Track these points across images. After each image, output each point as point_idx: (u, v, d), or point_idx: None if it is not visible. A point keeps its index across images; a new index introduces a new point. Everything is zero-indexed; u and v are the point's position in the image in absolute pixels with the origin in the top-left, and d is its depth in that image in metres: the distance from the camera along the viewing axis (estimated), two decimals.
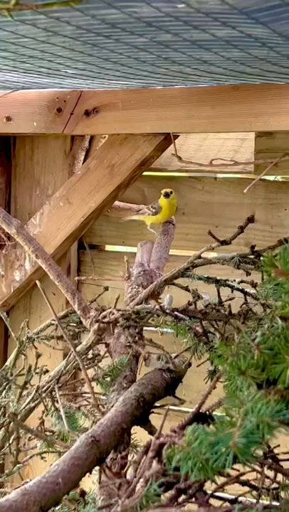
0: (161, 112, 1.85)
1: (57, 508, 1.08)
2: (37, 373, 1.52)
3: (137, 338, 1.46)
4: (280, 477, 1.11)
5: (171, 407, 1.21)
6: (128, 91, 1.88)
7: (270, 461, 1.12)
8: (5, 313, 1.72)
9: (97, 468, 1.12)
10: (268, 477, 1.10)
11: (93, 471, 1.12)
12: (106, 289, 1.75)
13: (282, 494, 1.10)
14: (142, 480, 0.98)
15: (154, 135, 1.91)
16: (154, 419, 1.31)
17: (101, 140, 2.07)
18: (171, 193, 1.87)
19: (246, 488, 1.09)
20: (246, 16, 0.85)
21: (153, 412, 1.33)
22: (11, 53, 1.15)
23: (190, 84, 1.72)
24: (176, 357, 1.50)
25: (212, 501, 0.99)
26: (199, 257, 1.51)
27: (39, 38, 1.02)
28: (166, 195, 1.87)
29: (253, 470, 1.07)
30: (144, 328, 1.54)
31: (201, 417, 1.05)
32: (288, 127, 1.71)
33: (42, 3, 0.79)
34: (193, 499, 0.96)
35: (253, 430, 0.87)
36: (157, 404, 1.36)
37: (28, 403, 1.45)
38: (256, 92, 1.71)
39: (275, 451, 1.15)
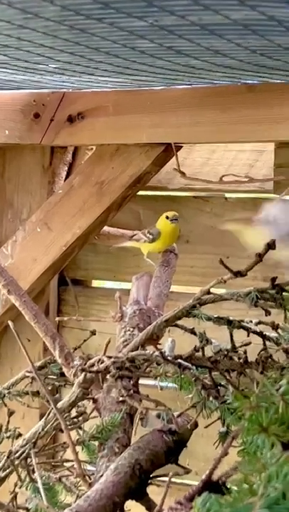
0: (161, 117, 1.86)
1: None
2: (8, 437, 1.50)
3: (131, 391, 1.45)
4: None
5: (173, 478, 1.20)
6: (121, 92, 1.89)
7: None
8: None
9: None
10: None
11: None
12: (93, 333, 1.73)
13: None
14: None
15: (152, 146, 1.92)
16: (153, 492, 1.30)
17: (87, 152, 2.08)
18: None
19: None
20: None
21: (151, 484, 1.32)
22: None
23: (196, 84, 1.73)
24: (179, 415, 1.49)
25: None
26: (208, 292, 1.50)
27: (15, 21, 1.03)
28: (175, 219, 1.86)
29: None
30: (140, 381, 1.53)
31: (213, 486, 1.04)
32: None
33: None
34: None
35: (278, 500, 0.85)
36: (156, 473, 1.35)
37: None
38: (277, 93, 1.72)
39: None
